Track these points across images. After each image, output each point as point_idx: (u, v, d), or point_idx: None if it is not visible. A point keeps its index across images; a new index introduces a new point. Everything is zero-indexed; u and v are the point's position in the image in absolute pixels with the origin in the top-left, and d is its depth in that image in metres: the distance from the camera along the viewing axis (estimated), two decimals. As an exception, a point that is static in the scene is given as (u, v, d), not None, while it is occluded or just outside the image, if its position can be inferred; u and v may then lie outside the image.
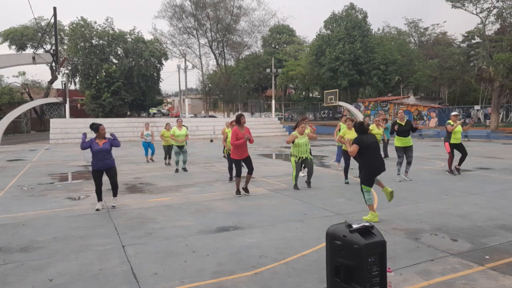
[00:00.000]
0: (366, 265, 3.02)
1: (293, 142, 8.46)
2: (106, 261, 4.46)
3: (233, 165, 8.84)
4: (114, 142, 7.06)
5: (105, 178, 7.02)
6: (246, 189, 8.17)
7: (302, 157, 8.49)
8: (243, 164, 8.16)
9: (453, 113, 10.57)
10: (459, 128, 10.25)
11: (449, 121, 10.40)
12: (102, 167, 6.92)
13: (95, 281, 3.93)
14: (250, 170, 8.12)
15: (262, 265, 4.27)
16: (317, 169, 12.21)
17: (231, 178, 9.88)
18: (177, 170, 11.92)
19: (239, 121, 7.99)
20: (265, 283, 3.82)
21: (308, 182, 8.86)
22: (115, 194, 7.27)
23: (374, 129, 11.47)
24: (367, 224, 3.23)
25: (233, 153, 8.02)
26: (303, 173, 9.79)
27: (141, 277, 3.99)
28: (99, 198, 7.05)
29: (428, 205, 6.97)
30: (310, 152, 8.93)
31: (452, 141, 10.27)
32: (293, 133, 8.57)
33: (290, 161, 8.70)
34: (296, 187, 8.64)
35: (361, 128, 6.07)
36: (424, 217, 6.14)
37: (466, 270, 4.03)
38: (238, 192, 8.13)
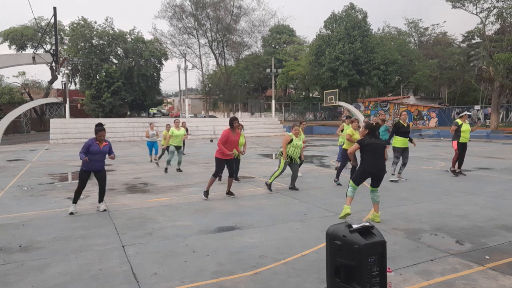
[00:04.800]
0: (366, 265, 3.02)
1: (290, 142, 8.34)
2: (106, 261, 4.46)
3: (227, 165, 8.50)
4: (111, 148, 6.92)
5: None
6: (229, 193, 8.03)
7: (293, 159, 8.35)
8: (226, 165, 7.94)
9: (465, 112, 10.43)
10: (467, 127, 10.21)
11: (457, 120, 10.35)
12: (93, 169, 6.72)
13: (95, 281, 3.93)
14: (231, 172, 8.01)
15: (262, 265, 4.27)
16: (317, 169, 12.21)
17: (236, 179, 9.70)
18: (166, 170, 11.74)
19: (231, 124, 7.86)
20: (265, 283, 3.82)
21: (293, 187, 8.64)
22: (101, 200, 7.00)
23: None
24: (367, 224, 3.23)
25: (218, 152, 7.82)
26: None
27: (141, 277, 3.99)
28: (75, 200, 6.79)
29: (428, 205, 6.97)
30: (300, 157, 8.86)
31: (461, 140, 10.22)
32: (288, 134, 8.52)
33: (279, 160, 8.52)
34: (269, 187, 8.46)
35: (372, 129, 6.09)
36: (424, 217, 6.14)
37: (466, 270, 4.03)
38: (206, 193, 7.82)
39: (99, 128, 6.79)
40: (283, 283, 3.80)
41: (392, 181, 9.48)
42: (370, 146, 5.89)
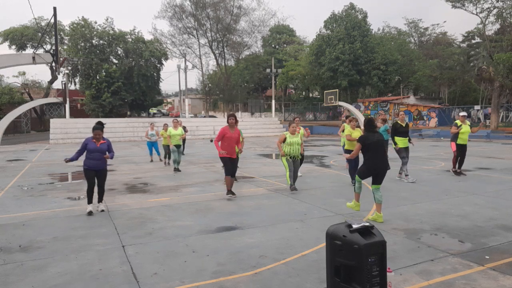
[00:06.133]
0: (366, 265, 3.02)
1: (284, 141, 8.34)
2: (106, 261, 4.46)
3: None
4: (110, 147, 6.90)
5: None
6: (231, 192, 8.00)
7: (294, 156, 8.34)
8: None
9: (462, 113, 10.38)
10: (467, 129, 10.15)
11: (456, 121, 10.33)
12: (95, 167, 6.71)
13: (95, 281, 3.93)
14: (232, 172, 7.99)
15: (262, 265, 4.27)
16: (317, 169, 12.21)
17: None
18: (175, 169, 11.95)
19: (227, 120, 7.90)
20: (265, 283, 3.82)
21: (293, 186, 8.57)
22: (100, 200, 6.98)
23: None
24: (367, 224, 3.22)
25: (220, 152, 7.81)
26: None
27: (141, 277, 3.99)
28: (90, 201, 6.79)
29: (428, 205, 6.97)
30: (302, 156, 8.78)
31: (459, 141, 10.20)
32: (284, 132, 8.53)
33: (282, 161, 8.53)
34: (291, 187, 8.45)
35: (369, 125, 6.07)
36: (424, 217, 6.13)
37: (466, 270, 4.03)
38: (228, 192, 7.87)
39: (96, 126, 6.79)
40: (283, 283, 3.80)
41: (411, 182, 9.34)
42: (373, 144, 5.88)
